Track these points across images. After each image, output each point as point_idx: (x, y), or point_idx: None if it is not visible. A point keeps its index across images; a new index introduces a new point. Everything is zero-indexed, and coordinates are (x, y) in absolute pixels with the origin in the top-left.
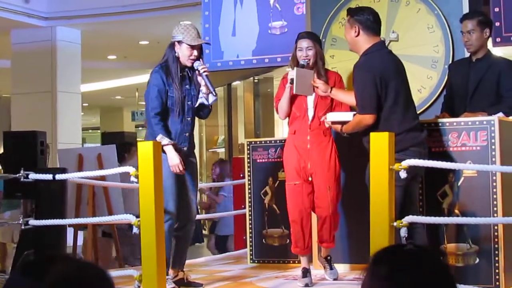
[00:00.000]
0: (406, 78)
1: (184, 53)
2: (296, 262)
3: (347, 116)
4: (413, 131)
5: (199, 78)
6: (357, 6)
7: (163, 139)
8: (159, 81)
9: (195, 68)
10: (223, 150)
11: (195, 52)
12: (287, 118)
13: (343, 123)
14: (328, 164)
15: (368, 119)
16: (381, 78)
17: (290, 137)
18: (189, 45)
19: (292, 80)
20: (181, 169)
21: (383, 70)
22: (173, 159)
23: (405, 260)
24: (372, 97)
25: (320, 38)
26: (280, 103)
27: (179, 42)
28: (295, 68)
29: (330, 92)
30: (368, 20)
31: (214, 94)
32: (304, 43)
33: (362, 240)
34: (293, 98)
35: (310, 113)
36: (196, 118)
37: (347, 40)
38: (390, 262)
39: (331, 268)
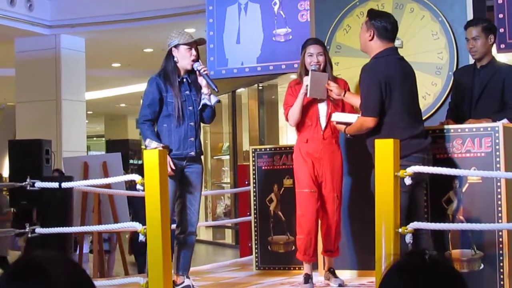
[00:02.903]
0: (414, 85)
1: (183, 55)
2: (302, 268)
3: (352, 117)
4: (417, 138)
5: (200, 79)
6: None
7: (151, 143)
8: (154, 89)
9: (195, 69)
10: (227, 157)
11: (194, 52)
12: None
13: (347, 124)
14: (338, 173)
15: (370, 122)
16: (386, 83)
17: (302, 145)
18: (186, 44)
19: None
20: (169, 171)
21: (389, 76)
22: None
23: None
24: (375, 101)
25: (325, 45)
26: (292, 109)
27: (176, 46)
28: (310, 71)
29: (344, 95)
30: (384, 28)
31: (216, 90)
32: (315, 49)
33: (367, 247)
34: (305, 107)
35: (323, 121)
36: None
37: (359, 40)
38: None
39: (336, 277)
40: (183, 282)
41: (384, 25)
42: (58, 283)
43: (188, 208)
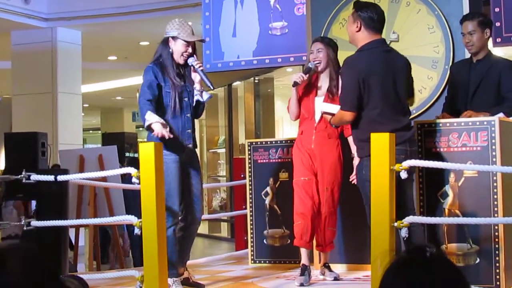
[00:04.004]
0: (400, 77)
1: (178, 49)
2: (298, 262)
3: (336, 109)
4: (399, 131)
5: (193, 75)
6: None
7: (151, 116)
8: (152, 77)
9: (190, 64)
10: (223, 150)
11: (190, 49)
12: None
13: (333, 114)
14: (330, 166)
15: (348, 116)
16: (364, 80)
17: (298, 137)
18: (184, 41)
19: (295, 83)
20: (165, 134)
21: (369, 72)
22: (157, 128)
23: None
24: (353, 96)
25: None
26: (289, 105)
27: (174, 37)
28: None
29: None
30: (371, 19)
31: (212, 87)
32: (315, 46)
33: (361, 241)
34: (303, 100)
35: (317, 115)
36: None
37: (347, 32)
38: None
39: (331, 271)
40: (182, 274)
41: (370, 15)
42: (13, 274)
43: (192, 201)
